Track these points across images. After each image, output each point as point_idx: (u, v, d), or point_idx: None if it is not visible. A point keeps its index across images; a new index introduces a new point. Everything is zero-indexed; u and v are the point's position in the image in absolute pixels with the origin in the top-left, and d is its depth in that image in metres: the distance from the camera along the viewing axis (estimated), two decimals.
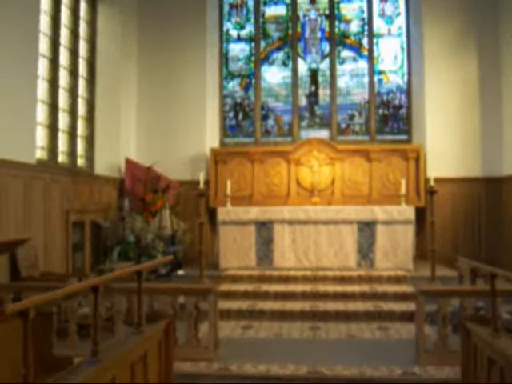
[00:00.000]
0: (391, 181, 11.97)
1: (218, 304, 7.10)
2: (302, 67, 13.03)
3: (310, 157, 12.05)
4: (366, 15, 12.88)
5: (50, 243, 8.61)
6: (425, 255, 11.12)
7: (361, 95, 12.88)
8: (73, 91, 10.51)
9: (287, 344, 7.20)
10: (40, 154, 9.09)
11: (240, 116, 13.09)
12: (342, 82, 12.93)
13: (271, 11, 13.20)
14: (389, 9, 12.87)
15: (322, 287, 9.43)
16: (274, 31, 13.18)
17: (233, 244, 10.62)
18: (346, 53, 12.97)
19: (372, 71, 12.77)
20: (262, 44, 13.13)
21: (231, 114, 13.13)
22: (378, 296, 9.02)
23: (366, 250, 10.36)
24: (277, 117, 13.03)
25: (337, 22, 12.97)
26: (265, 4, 13.19)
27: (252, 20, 13.18)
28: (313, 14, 13.10)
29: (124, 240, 10.43)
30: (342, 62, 12.95)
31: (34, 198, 8.17)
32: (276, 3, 13.17)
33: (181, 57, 12.59)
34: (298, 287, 9.47)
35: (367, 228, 10.40)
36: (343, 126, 12.85)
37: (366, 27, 12.86)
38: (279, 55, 13.15)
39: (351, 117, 12.86)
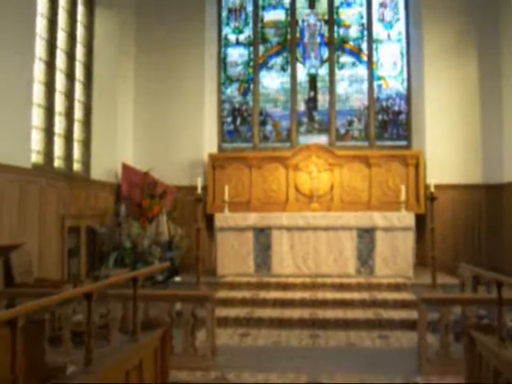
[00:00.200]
0: (391, 187, 11.86)
1: (216, 311, 6.97)
2: (301, 72, 12.94)
3: (308, 162, 11.93)
4: (365, 20, 12.81)
5: (45, 249, 8.47)
6: (425, 262, 11.00)
7: (360, 101, 12.78)
8: (69, 95, 10.39)
9: (286, 352, 7.06)
10: (36, 158, 8.96)
11: (238, 121, 12.98)
12: (341, 88, 12.84)
13: (270, 16, 13.11)
14: (388, 14, 12.79)
15: (321, 294, 9.30)
16: (272, 36, 13.10)
17: (230, 250, 10.49)
18: (345, 58, 12.88)
19: (371, 77, 12.68)
20: (261, 49, 13.04)
21: (229, 119, 13.02)
22: (378, 303, 8.90)
23: (365, 256, 10.24)
24: (275, 122, 12.92)
25: (336, 27, 12.89)
26: (263, 9, 13.11)
27: (251, 25, 13.09)
28: (312, 19, 13.01)
29: (120, 246, 10.29)
30: (341, 67, 12.86)
31: (29, 203, 8.04)
32: (275, 8, 13.09)
33: (178, 62, 12.49)
34: (297, 294, 9.33)
35: (367, 234, 10.28)
36: (342, 131, 12.75)
37: (366, 32, 12.79)
38: (278, 60, 13.05)
39: (350, 122, 12.76)
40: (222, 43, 13.13)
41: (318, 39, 12.97)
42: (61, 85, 10.09)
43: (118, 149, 11.65)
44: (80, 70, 10.90)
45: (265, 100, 12.98)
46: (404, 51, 12.66)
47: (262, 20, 13.12)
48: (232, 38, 13.18)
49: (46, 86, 9.46)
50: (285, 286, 9.76)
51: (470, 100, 11.91)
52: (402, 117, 12.64)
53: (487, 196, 11.70)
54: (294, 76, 12.85)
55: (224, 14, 13.16)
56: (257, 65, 12.95)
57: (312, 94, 12.90)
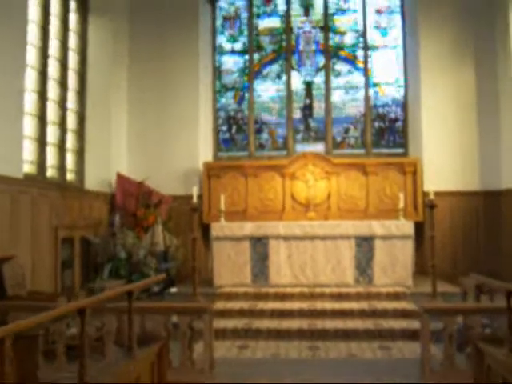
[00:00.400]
0: (388, 195, 11.75)
1: (213, 323, 6.80)
2: (297, 80, 12.82)
3: (305, 171, 11.80)
4: (360, 27, 12.71)
5: (37, 261, 8.29)
6: (424, 270, 10.89)
7: (356, 108, 12.67)
8: (62, 104, 10.23)
9: (286, 365, 6.91)
10: (28, 168, 8.80)
11: (233, 129, 12.85)
12: (337, 95, 12.73)
13: (265, 23, 13.00)
14: (384, 21, 12.70)
15: (319, 304, 9.15)
16: (267, 44, 12.98)
17: (227, 260, 10.32)
18: (340, 65, 12.77)
19: (367, 84, 12.58)
20: (256, 57, 12.93)
21: (224, 128, 12.89)
22: (378, 313, 8.74)
23: (364, 265, 10.09)
24: (271, 130, 12.80)
25: (331, 35, 12.79)
26: (258, 16, 13.00)
27: (245, 33, 12.98)
28: (307, 27, 12.92)
29: (115, 257, 10.12)
30: (337, 74, 12.76)
31: (21, 214, 7.87)
32: (270, 15, 12.99)
33: (173, 70, 12.35)
34: (295, 305, 9.18)
35: (365, 243, 10.14)
36: (338, 139, 12.63)
37: (361, 39, 12.69)
38: (273, 68, 12.94)
39: (346, 130, 12.65)
40: (217, 51, 13.01)
41: (313, 47, 12.87)
42: (54, 93, 9.93)
43: (113, 158, 11.50)
44: (73, 79, 10.75)
45: (260, 108, 12.86)
46: (400, 58, 12.56)
47: (256, 28, 13.00)
48: (227, 46, 13.06)
49: (39, 94, 9.30)
50: (283, 297, 9.60)
51: (466, 106, 11.82)
52: (399, 124, 12.54)
53: (485, 203, 11.60)
54: (289, 84, 12.74)
55: (218, 22, 13.05)
56: (252, 73, 12.83)
57: (308, 101, 12.79)
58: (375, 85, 12.63)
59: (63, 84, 10.30)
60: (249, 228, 10.43)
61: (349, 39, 12.80)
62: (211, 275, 10.38)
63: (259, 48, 12.95)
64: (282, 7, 12.93)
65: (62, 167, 10.09)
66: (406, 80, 12.50)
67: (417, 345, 7.29)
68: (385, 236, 10.11)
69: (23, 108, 8.45)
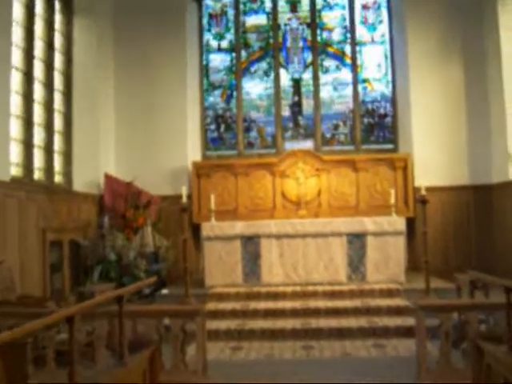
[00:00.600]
0: (379, 191, 11.70)
1: (206, 324, 6.72)
2: (285, 77, 12.74)
3: (295, 168, 11.72)
4: (348, 23, 12.65)
5: (26, 264, 8.17)
6: (415, 266, 10.86)
7: (345, 104, 12.61)
8: (48, 105, 10.10)
9: (280, 365, 6.82)
10: (15, 170, 8.67)
11: (222, 128, 12.76)
12: (326, 92, 12.66)
13: (252, 20, 12.91)
14: (371, 16, 12.64)
15: (312, 303, 9.07)
16: (254, 41, 12.89)
17: (218, 260, 10.22)
18: (328, 62, 12.71)
19: (356, 80, 12.52)
20: (243, 54, 12.83)
21: (213, 127, 12.79)
22: (372, 311, 8.68)
23: (356, 262, 10.03)
24: (260, 128, 12.71)
25: (319, 31, 12.72)
26: (245, 13, 12.91)
27: (232, 30, 12.88)
28: (294, 23, 12.83)
29: (105, 259, 10.00)
30: (325, 71, 12.69)
31: (8, 217, 7.74)
32: (256, 12, 12.89)
33: (160, 69, 12.24)
34: (288, 304, 9.09)
35: (357, 240, 10.07)
36: (328, 136, 12.56)
37: (349, 35, 12.63)
38: (261, 65, 12.85)
39: (336, 127, 12.59)
40: (204, 49, 12.90)
41: (301, 43, 12.79)
42: (39, 95, 9.80)
43: (101, 159, 11.37)
44: (59, 80, 10.62)
45: (248, 106, 12.77)
46: (388, 53, 12.52)
47: (243, 25, 12.91)
48: (214, 44, 12.96)
49: (24, 96, 9.16)
50: (275, 296, 9.52)
51: (456, 101, 11.79)
52: (388, 119, 12.49)
53: (476, 197, 11.58)
54: (277, 81, 12.66)
55: (205, 20, 12.94)
56: (239, 71, 12.73)
57: (296, 98, 12.72)
58: (364, 80, 12.57)
59: (49, 85, 10.16)
60: (240, 227, 10.33)
61: (336, 35, 12.72)
62: (202, 276, 10.28)
63: (246, 45, 12.86)
64: (268, 4, 12.84)
65: (49, 169, 9.96)
66: (394, 75, 12.45)
67: (411, 342, 7.24)
68: (377, 232, 10.05)
69: (9, 110, 8.32)
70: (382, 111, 12.53)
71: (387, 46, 12.53)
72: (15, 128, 8.84)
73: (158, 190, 11.53)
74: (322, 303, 9.06)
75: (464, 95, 11.78)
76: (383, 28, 12.60)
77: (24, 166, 9.04)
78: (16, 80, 8.94)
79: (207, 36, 12.93)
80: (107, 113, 11.87)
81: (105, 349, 5.99)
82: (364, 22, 12.65)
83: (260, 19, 12.90)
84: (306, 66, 12.72)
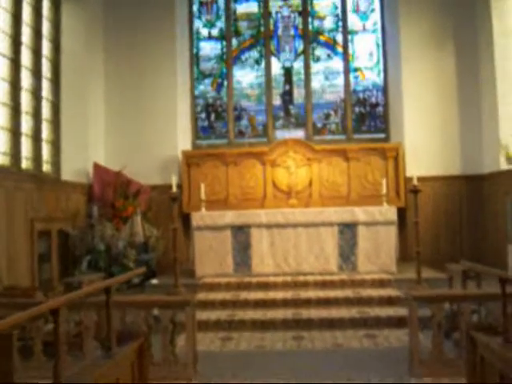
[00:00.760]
0: (370, 181, 11.63)
1: (196, 315, 6.65)
2: (276, 66, 12.63)
3: (286, 158, 11.65)
4: (339, 11, 12.53)
5: (14, 255, 8.04)
6: (406, 256, 10.83)
7: (336, 93, 12.52)
8: (36, 93, 9.94)
9: (271, 356, 6.76)
10: (2, 159, 8.53)
11: (212, 117, 12.64)
12: (317, 81, 12.57)
13: (242, 8, 12.78)
14: (363, 4, 12.55)
15: (303, 293, 9.01)
16: (245, 29, 12.77)
17: (208, 250, 10.15)
18: (320, 50, 12.60)
19: (347, 69, 12.43)
20: (234, 42, 12.71)
21: (203, 115, 12.67)
22: (363, 301, 8.63)
23: (347, 252, 9.98)
24: (250, 117, 12.61)
25: (310, 19, 12.61)
26: (236, 1, 12.76)
27: (223, 18, 12.74)
28: (285, 11, 12.71)
29: (94, 249, 9.89)
30: (317, 59, 12.59)
31: None
32: (247, 0, 12.74)
33: (149, 57, 12.10)
34: (279, 294, 9.03)
35: (348, 230, 10.02)
36: (319, 125, 12.48)
37: (340, 24, 12.52)
38: (252, 54, 12.73)
39: (327, 116, 12.50)
40: (194, 37, 12.75)
41: (292, 31, 12.68)
42: (27, 83, 9.64)
43: (89, 148, 11.24)
44: (47, 67, 10.42)
45: (239, 95, 12.66)
46: (380, 42, 12.43)
47: (234, 13, 12.78)
48: (204, 31, 12.82)
49: (11, 84, 9.00)
50: (266, 286, 9.46)
51: (447, 91, 11.73)
52: (380, 109, 12.42)
53: (467, 187, 11.55)
54: (268, 69, 12.55)
55: (195, 7, 12.79)
56: (230, 59, 12.61)
57: (287, 87, 12.62)
58: (355, 69, 12.49)
59: (37, 73, 9.98)
60: (230, 217, 10.26)
61: (328, 24, 12.62)
62: (192, 266, 10.21)
63: (237, 33, 12.74)
64: None
65: (37, 158, 9.80)
66: (386, 65, 12.37)
67: (403, 332, 7.25)
68: (368, 222, 10.00)
69: None
70: (373, 100, 12.45)
71: (379, 35, 12.44)
72: (2, 116, 8.69)
73: (147, 180, 11.42)
74: (312, 293, 9.00)
75: (456, 85, 11.72)
76: (375, 16, 12.50)
77: (11, 154, 8.88)
78: (3, 67, 8.78)
79: (197, 24, 12.79)
80: (96, 101, 11.72)
81: (93, 340, 5.92)
82: (356, 10, 12.55)
83: (251, 7, 12.76)
84: (297, 55, 12.61)
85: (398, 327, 7.60)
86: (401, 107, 11.82)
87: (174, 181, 9.16)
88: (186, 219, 11.24)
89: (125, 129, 11.92)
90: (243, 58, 12.71)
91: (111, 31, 12.05)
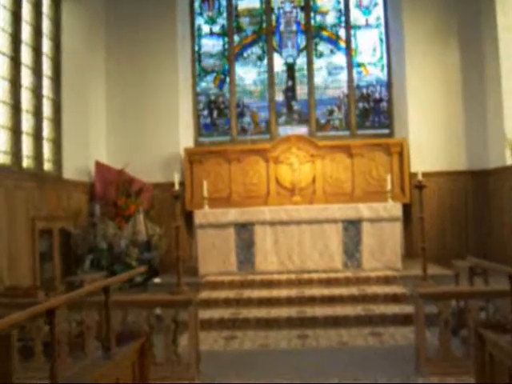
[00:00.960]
0: (374, 177, 11.53)
1: (199, 313, 6.56)
2: (278, 62, 12.52)
3: (289, 154, 11.55)
4: (342, 6, 12.42)
5: (15, 254, 7.96)
6: (411, 253, 10.73)
7: (339, 89, 12.41)
8: (37, 91, 9.85)
9: (275, 355, 6.66)
10: (3, 158, 8.44)
11: (215, 114, 12.55)
12: (320, 76, 12.46)
13: (244, 4, 12.67)
14: None
15: (307, 291, 8.91)
16: (247, 25, 12.67)
17: (212, 248, 10.05)
18: (323, 46, 12.49)
19: (350, 64, 12.32)
20: (236, 39, 12.61)
21: (205, 112, 12.58)
22: (368, 299, 8.52)
23: (352, 249, 9.87)
24: (253, 114, 12.51)
25: (312, 14, 12.49)
26: None
27: (224, 14, 12.63)
28: (287, 6, 12.61)
29: (96, 248, 9.81)
30: (320, 55, 12.47)
31: None
32: None
33: (151, 54, 12.02)
34: (283, 292, 8.93)
35: (352, 227, 9.91)
36: (322, 121, 12.37)
37: (343, 18, 12.40)
38: (254, 50, 12.62)
39: (330, 112, 12.40)
40: (196, 34, 12.65)
41: (295, 27, 12.57)
42: (27, 81, 9.54)
43: (91, 146, 11.16)
44: (47, 65, 10.32)
45: (242, 91, 12.57)
46: (383, 37, 12.30)
47: (236, 9, 12.67)
48: (206, 28, 12.71)
49: (11, 82, 8.91)
50: (270, 284, 9.36)
51: (452, 85, 11.62)
52: (384, 104, 12.30)
53: (473, 182, 11.44)
54: (270, 66, 12.45)
55: (196, 3, 12.69)
56: (232, 55, 12.51)
57: (290, 83, 12.51)
58: (359, 65, 12.37)
59: (37, 71, 9.89)
60: (233, 214, 10.15)
61: (330, 19, 12.50)
62: (195, 264, 10.11)
63: (239, 29, 12.64)
64: None
65: (38, 157, 9.71)
66: (389, 60, 12.25)
67: (409, 330, 7.14)
68: (372, 219, 9.89)
69: None
70: (377, 96, 12.34)
71: (382, 30, 12.32)
72: (2, 115, 8.61)
73: (150, 178, 11.34)
74: (317, 291, 8.90)
75: (461, 79, 11.61)
76: (378, 11, 12.38)
77: (12, 153, 8.80)
78: (2, 65, 8.70)
79: (199, 20, 12.68)
80: (98, 99, 11.64)
81: (95, 340, 5.84)
82: (359, 4, 12.43)
83: (253, 2, 12.65)
84: (299, 51, 12.51)
85: (404, 325, 7.49)
86: (405, 102, 11.71)
87: (176, 178, 9.07)
88: (188, 217, 11.16)
89: (126, 127, 11.84)
90: (245, 54, 12.61)
91: (112, 29, 11.98)
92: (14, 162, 8.78)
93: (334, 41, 12.47)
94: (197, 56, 12.63)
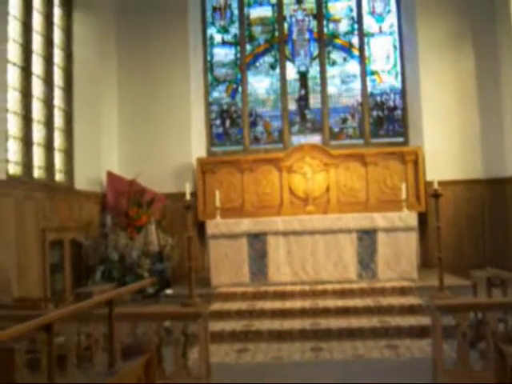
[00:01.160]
0: (389, 185, 11.36)
1: (210, 325, 6.43)
2: (291, 70, 12.41)
3: (302, 163, 11.41)
4: (355, 14, 12.30)
5: (24, 265, 7.88)
6: (427, 263, 10.58)
7: (353, 97, 12.27)
8: (48, 102, 9.81)
9: (288, 368, 6.50)
10: (13, 169, 8.39)
11: (227, 123, 12.45)
12: (333, 85, 12.33)
13: (256, 13, 12.58)
14: (379, 6, 12.29)
15: (321, 302, 8.73)
16: (259, 34, 12.57)
17: (224, 259, 9.90)
18: (336, 54, 12.36)
19: (364, 72, 12.18)
20: (248, 48, 12.52)
21: (218, 122, 12.48)
22: (383, 310, 8.33)
23: (366, 260, 9.69)
24: (266, 123, 12.40)
25: (325, 22, 12.38)
26: (249, 6, 12.58)
27: (237, 23, 12.56)
28: (300, 15, 12.50)
29: (107, 258, 9.72)
30: (333, 63, 12.35)
31: (4, 216, 7.46)
32: (261, 4, 12.56)
33: (163, 64, 11.97)
34: (296, 303, 8.76)
35: (367, 237, 9.73)
36: (336, 130, 12.24)
37: (356, 26, 12.28)
38: (266, 59, 12.53)
39: (344, 120, 12.26)
40: (208, 43, 12.58)
41: (307, 35, 12.47)
42: (38, 91, 9.51)
43: (103, 156, 11.10)
44: (59, 76, 10.32)
45: (254, 100, 12.46)
46: (397, 44, 12.16)
47: (248, 18, 12.59)
48: (218, 37, 12.64)
49: (22, 92, 8.87)
50: (283, 295, 9.19)
51: (467, 92, 11.44)
52: (398, 112, 12.14)
53: (489, 191, 11.24)
54: (283, 74, 12.34)
55: (208, 12, 12.63)
56: (244, 64, 12.42)
57: (303, 92, 12.39)
58: (372, 73, 12.23)
59: (49, 81, 9.87)
60: (246, 224, 10.01)
61: (343, 26, 12.38)
62: (208, 275, 9.98)
63: (251, 38, 12.55)
64: None
65: (50, 167, 9.67)
66: (403, 67, 12.10)
67: (425, 342, 6.97)
68: (388, 228, 9.70)
69: (5, 106, 8.05)
70: (391, 104, 12.18)
71: (396, 37, 12.18)
72: (13, 125, 8.56)
73: (162, 188, 11.25)
74: (331, 302, 8.73)
75: (476, 86, 11.43)
76: (391, 18, 12.24)
77: (23, 163, 8.76)
78: (14, 76, 8.66)
79: (211, 29, 12.61)
80: (109, 109, 11.59)
81: (103, 352, 5.72)
82: (372, 12, 12.30)
83: (265, 11, 12.57)
84: (312, 59, 12.39)
85: (421, 337, 7.31)
86: (419, 110, 11.55)
87: (187, 189, 8.97)
88: (201, 227, 11.05)
89: (138, 137, 11.78)
90: (258, 63, 12.51)
91: (124, 38, 11.94)
92: (24, 172, 8.74)
93: (347, 49, 12.34)
94: (209, 65, 12.55)
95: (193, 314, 5.75)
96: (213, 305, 8.76)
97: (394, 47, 12.19)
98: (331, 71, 12.31)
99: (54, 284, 8.83)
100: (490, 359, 5.02)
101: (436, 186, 8.69)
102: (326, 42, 12.32)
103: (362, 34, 12.23)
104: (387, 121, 12.15)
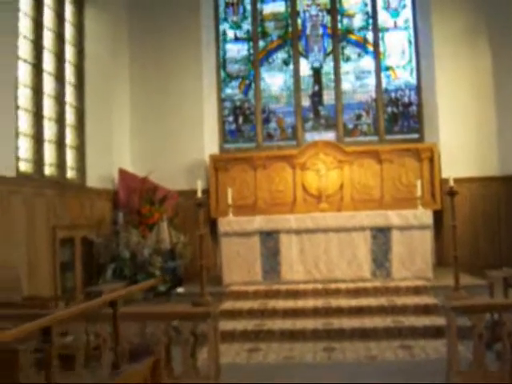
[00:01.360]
0: (404, 183, 11.21)
1: (221, 325, 6.34)
2: (304, 66, 12.29)
3: (316, 160, 11.28)
4: (369, 8, 12.15)
5: (34, 263, 7.82)
6: (443, 262, 10.44)
7: (368, 93, 12.13)
8: (60, 98, 9.76)
9: (300, 369, 6.40)
10: (24, 166, 8.34)
11: (240, 120, 12.35)
12: (347, 81, 12.19)
13: (269, 8, 12.47)
14: (394, 1, 12.14)
15: (334, 302, 8.61)
16: (273, 29, 12.46)
17: (236, 257, 9.80)
18: (350, 49, 12.22)
19: (379, 67, 12.03)
20: (261, 43, 12.41)
21: (231, 119, 12.39)
22: (397, 310, 8.19)
23: (381, 258, 9.55)
24: (279, 119, 12.28)
25: (339, 17, 12.24)
26: (262, 1, 12.46)
27: (249, 19, 12.44)
28: (313, 10, 12.37)
29: (119, 256, 9.65)
30: (347, 59, 12.22)
31: (14, 214, 7.40)
32: (274, 0, 12.43)
33: (175, 60, 11.89)
34: (309, 302, 8.65)
35: (381, 235, 9.59)
36: (350, 126, 12.09)
37: (371, 21, 12.13)
38: (279, 55, 12.40)
39: (358, 116, 12.11)
40: (220, 39, 12.48)
41: (321, 31, 12.33)
42: (50, 88, 9.45)
43: (114, 153, 11.04)
44: (70, 72, 10.26)
45: (267, 97, 12.35)
46: (412, 39, 12.00)
47: (261, 13, 12.48)
48: (230, 33, 12.54)
49: (33, 89, 8.81)
50: (295, 294, 9.08)
51: (483, 89, 11.27)
52: (413, 108, 11.98)
53: (506, 188, 11.07)
54: (296, 70, 12.21)
55: (221, 8, 12.52)
56: (257, 60, 12.31)
57: (316, 88, 12.26)
58: (387, 68, 12.08)
59: (60, 78, 9.81)
60: (258, 222, 9.90)
61: (358, 21, 12.23)
62: (220, 273, 9.89)
63: (264, 34, 12.43)
64: None
65: (61, 164, 9.62)
66: (419, 63, 11.94)
67: (440, 343, 6.84)
68: (402, 226, 9.55)
69: (17, 103, 8.00)
70: (406, 100, 12.02)
71: (411, 32, 12.02)
72: (25, 122, 8.51)
73: (174, 185, 11.17)
74: (344, 302, 8.61)
75: (492, 82, 11.26)
76: (407, 13, 12.08)
77: (34, 161, 8.70)
78: (24, 72, 8.60)
79: (224, 25, 12.51)
80: (121, 106, 11.53)
81: (110, 352, 5.64)
82: (386, 6, 12.15)
83: (278, 7, 12.44)
84: (326, 55, 12.25)
85: (435, 337, 7.16)
86: (435, 106, 11.38)
87: (199, 186, 8.85)
88: (213, 225, 10.96)
89: (150, 133, 11.71)
90: (271, 59, 12.39)
91: (136, 34, 11.87)
92: (35, 169, 8.68)
93: (361, 44, 12.20)
94: (222, 61, 12.46)
95: (202, 314, 5.65)
96: (224, 303, 8.67)
97: (409, 42, 12.03)
98: (345, 67, 12.17)
99: (64, 282, 8.78)
100: (506, 361, 4.89)
101: (452, 183, 8.51)
102: (340, 37, 12.18)
103: (376, 29, 12.07)
104: (402, 117, 11.99)
